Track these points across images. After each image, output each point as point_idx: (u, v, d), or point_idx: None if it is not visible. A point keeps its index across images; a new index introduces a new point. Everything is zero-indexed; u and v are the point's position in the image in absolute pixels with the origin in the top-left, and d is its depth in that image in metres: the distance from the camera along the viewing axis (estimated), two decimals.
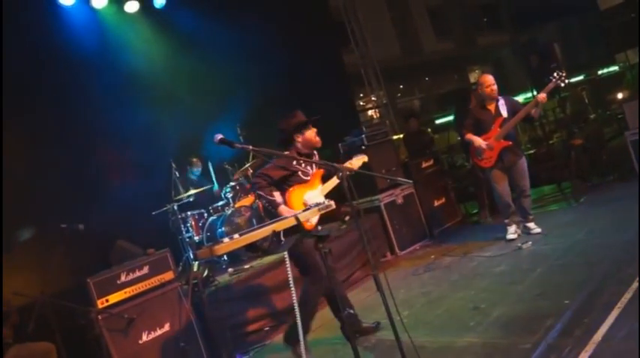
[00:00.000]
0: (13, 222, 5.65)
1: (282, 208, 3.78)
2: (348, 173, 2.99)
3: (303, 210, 3.07)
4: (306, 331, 3.77)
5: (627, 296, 3.44)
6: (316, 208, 3.01)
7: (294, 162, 3.96)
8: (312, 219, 3.76)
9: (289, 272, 2.90)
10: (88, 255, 5.27)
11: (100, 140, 6.40)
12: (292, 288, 2.86)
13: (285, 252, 3.04)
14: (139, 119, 6.73)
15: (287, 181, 3.97)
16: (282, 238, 3.55)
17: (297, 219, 2.87)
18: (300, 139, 4.02)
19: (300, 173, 4.00)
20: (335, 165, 3.09)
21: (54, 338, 4.36)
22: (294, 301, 2.97)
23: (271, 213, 3.87)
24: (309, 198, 3.89)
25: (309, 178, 4.05)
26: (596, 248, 4.63)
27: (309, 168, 4.07)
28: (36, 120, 5.93)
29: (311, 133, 4.04)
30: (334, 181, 4.08)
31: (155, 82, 7.08)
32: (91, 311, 4.19)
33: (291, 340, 3.87)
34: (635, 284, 3.56)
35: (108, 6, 6.74)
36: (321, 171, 4.12)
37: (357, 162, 4.34)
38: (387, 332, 3.91)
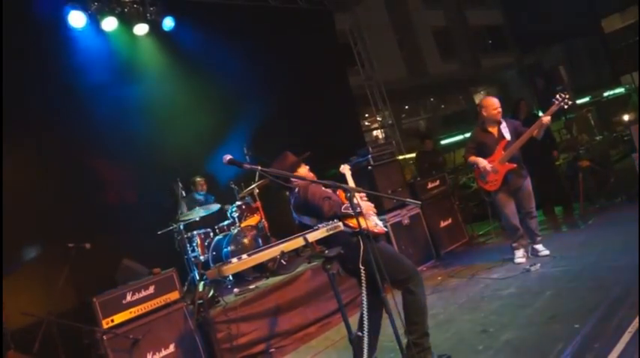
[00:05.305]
0: (20, 240, 5.66)
1: (344, 206, 3.44)
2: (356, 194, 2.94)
3: (311, 231, 3.05)
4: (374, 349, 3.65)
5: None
6: (324, 229, 3.00)
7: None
8: (379, 224, 3.61)
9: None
10: (94, 274, 5.25)
11: (107, 159, 6.43)
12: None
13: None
14: (147, 138, 6.78)
15: None
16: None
17: (305, 239, 2.85)
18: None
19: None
20: (344, 186, 3.07)
21: None
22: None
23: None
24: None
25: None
26: (606, 271, 4.58)
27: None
28: (43, 139, 5.96)
29: (305, 171, 3.87)
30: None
31: (163, 102, 7.15)
32: (96, 331, 4.16)
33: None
34: None
35: (118, 29, 6.85)
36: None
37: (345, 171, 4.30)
38: (395, 355, 3.88)
